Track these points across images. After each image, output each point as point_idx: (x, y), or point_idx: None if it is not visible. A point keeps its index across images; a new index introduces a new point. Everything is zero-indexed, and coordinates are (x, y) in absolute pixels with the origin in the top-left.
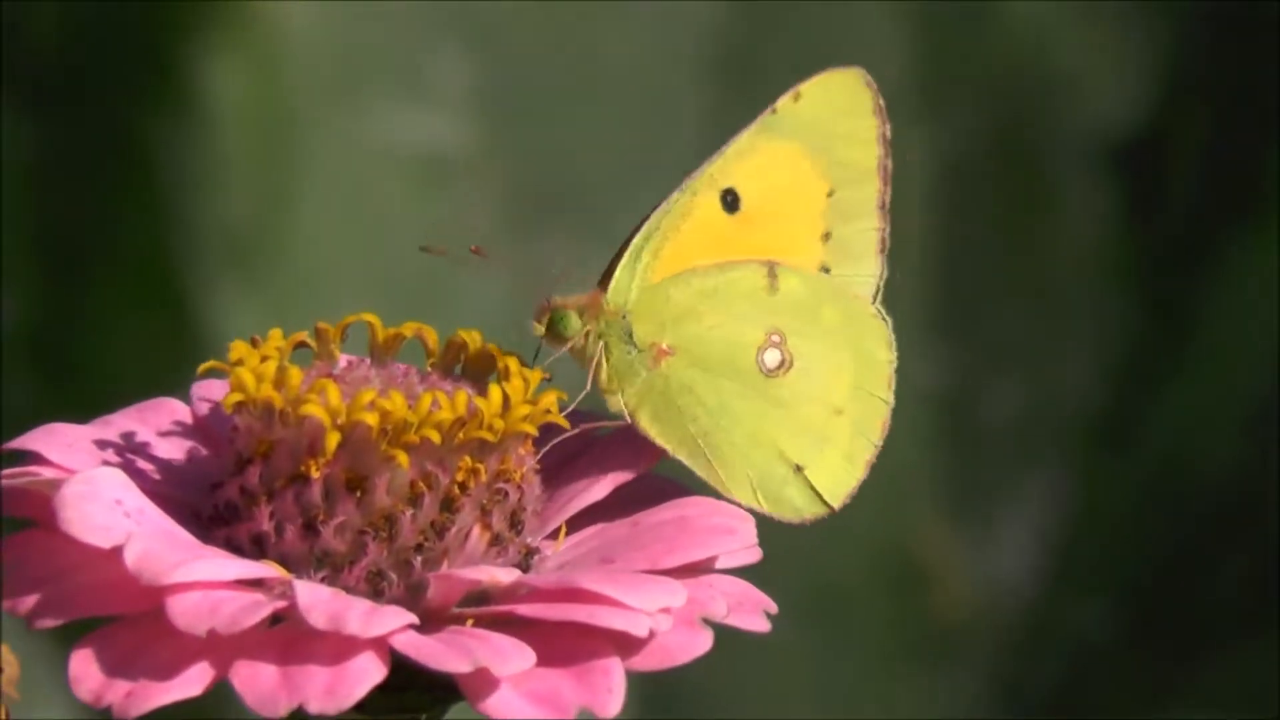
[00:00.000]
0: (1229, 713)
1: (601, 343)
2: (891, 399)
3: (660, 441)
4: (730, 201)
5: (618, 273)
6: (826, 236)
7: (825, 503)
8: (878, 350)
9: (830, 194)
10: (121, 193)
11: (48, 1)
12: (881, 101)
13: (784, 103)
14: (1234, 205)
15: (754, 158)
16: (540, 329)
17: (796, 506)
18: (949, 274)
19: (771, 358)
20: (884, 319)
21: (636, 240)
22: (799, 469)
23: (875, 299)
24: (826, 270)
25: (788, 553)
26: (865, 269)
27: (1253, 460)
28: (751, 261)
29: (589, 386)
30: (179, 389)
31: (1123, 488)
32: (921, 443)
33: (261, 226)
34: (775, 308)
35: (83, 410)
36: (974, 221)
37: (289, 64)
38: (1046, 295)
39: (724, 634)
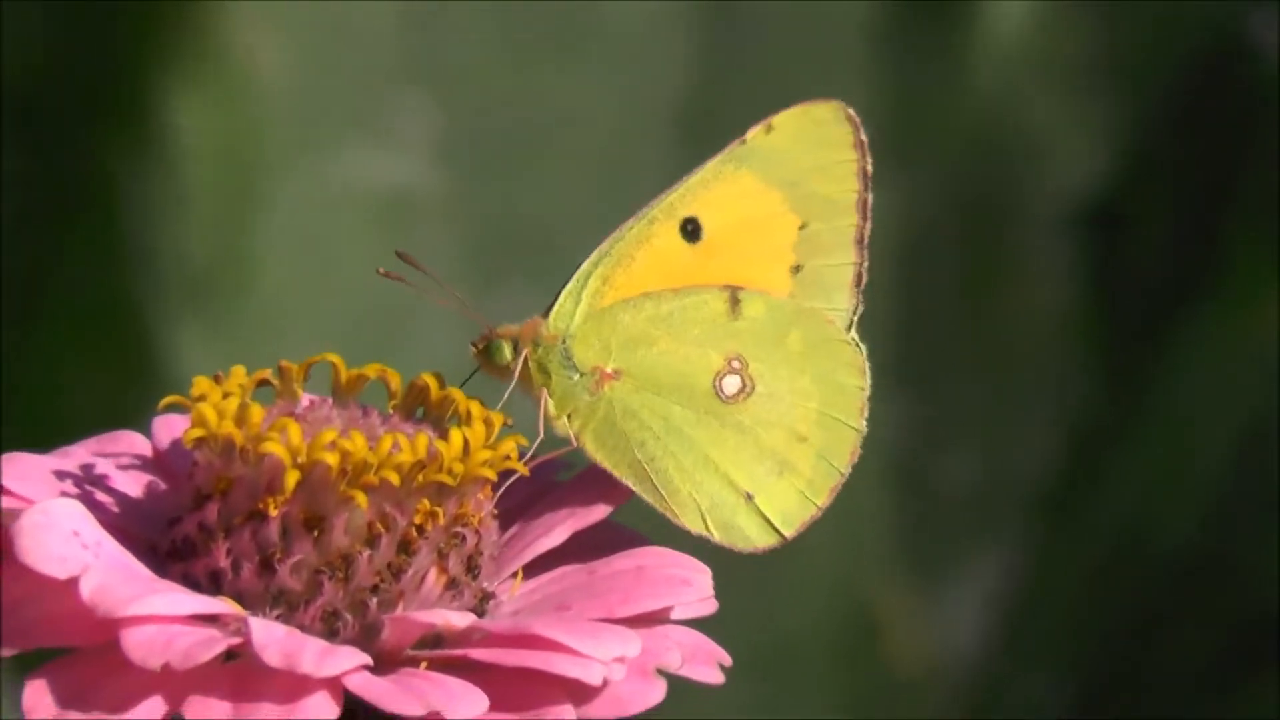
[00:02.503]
0: None
1: (544, 370)
2: (863, 426)
3: (606, 466)
4: (691, 231)
5: (561, 298)
6: (797, 269)
7: (778, 531)
8: (848, 377)
9: (803, 227)
10: (86, 229)
11: (20, 37)
12: (863, 136)
13: (755, 133)
14: (1196, 277)
15: (719, 187)
16: (476, 355)
17: (748, 535)
18: (909, 336)
19: (731, 384)
20: (857, 346)
21: (585, 265)
22: (749, 497)
23: (848, 330)
24: None
25: (741, 606)
26: (837, 302)
27: (1208, 534)
28: (712, 287)
29: (540, 425)
30: (136, 424)
31: (1077, 557)
32: (878, 505)
33: (222, 265)
34: (736, 332)
35: (40, 443)
36: (935, 285)
37: (255, 104)
38: (1006, 361)
39: (676, 685)
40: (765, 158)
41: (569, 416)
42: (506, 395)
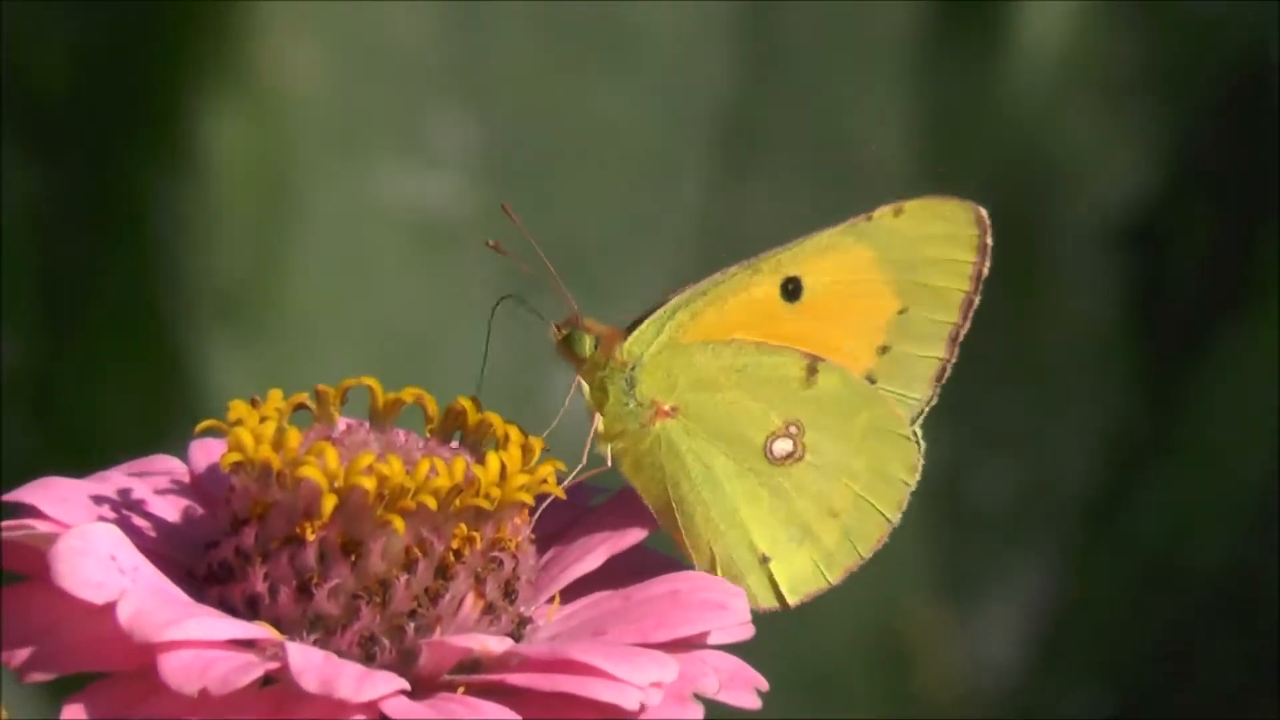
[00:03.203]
0: None
1: (603, 390)
2: (897, 519)
3: (637, 488)
4: (791, 290)
5: (646, 323)
6: (884, 350)
7: (782, 598)
8: (898, 470)
9: (902, 312)
10: (118, 244)
11: (54, 51)
12: (989, 241)
13: (883, 213)
14: (1233, 294)
15: (832, 256)
16: (557, 337)
17: (753, 594)
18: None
19: (781, 447)
20: (917, 442)
21: (677, 299)
22: (765, 560)
23: (915, 422)
24: (872, 381)
25: (775, 629)
26: (915, 391)
27: (1245, 549)
28: (794, 350)
29: (586, 450)
30: (169, 440)
31: (1114, 573)
32: (913, 522)
33: (256, 283)
34: (803, 400)
35: (73, 457)
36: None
37: (289, 121)
38: (1043, 378)
39: (712, 709)
40: (886, 239)
41: (611, 438)
42: (559, 418)
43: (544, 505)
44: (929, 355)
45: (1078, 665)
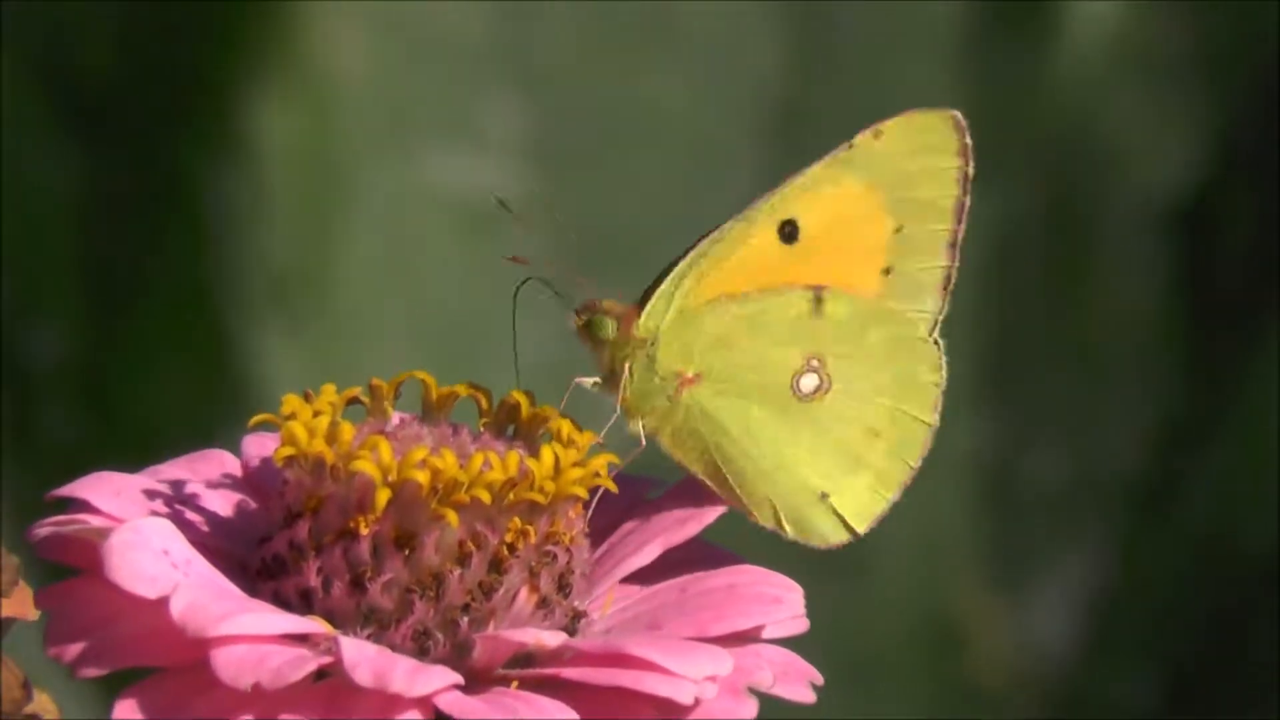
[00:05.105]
0: None
1: (626, 365)
2: (935, 420)
3: (680, 461)
4: (788, 233)
5: (655, 299)
6: (887, 271)
7: (851, 529)
8: (923, 372)
9: (898, 230)
10: (168, 231)
11: (103, 38)
12: (969, 141)
13: (862, 139)
14: None
15: (821, 190)
16: (578, 323)
17: (823, 533)
18: (996, 339)
19: (808, 382)
20: (936, 344)
21: (681, 266)
22: (824, 496)
23: (931, 332)
24: None
25: (826, 615)
26: (925, 305)
27: None
28: (795, 286)
29: (617, 410)
30: (219, 427)
31: (1164, 556)
32: (963, 508)
33: (306, 269)
34: (816, 332)
35: (124, 446)
36: (1022, 287)
37: (339, 107)
38: (1092, 362)
39: (763, 699)
40: (870, 162)
41: (644, 416)
42: (612, 420)
43: (596, 497)
44: (931, 266)
45: (1128, 648)
